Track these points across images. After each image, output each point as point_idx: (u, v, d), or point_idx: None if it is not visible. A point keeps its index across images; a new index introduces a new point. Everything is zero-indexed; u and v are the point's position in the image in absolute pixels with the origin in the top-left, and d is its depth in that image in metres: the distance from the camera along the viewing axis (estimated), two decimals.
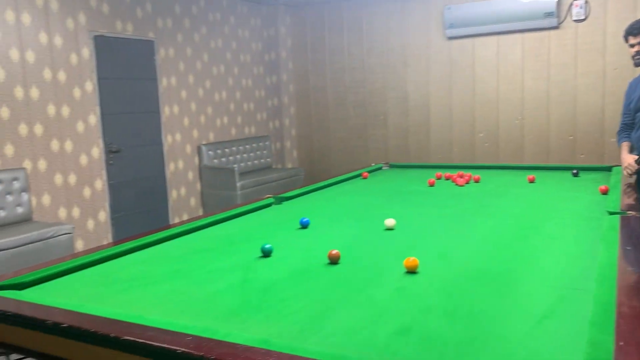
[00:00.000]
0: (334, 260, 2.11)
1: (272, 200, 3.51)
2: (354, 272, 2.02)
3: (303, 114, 7.79)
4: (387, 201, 3.45)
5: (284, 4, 7.41)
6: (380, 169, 5.08)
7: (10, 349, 1.77)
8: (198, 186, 6.36)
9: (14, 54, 4.37)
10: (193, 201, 6.29)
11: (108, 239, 5.22)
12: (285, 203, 3.52)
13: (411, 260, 1.96)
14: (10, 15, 4.33)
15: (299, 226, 2.77)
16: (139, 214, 5.61)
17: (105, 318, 1.54)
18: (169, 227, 2.80)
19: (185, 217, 6.18)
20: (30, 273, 2.05)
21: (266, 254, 2.26)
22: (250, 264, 2.16)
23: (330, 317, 1.59)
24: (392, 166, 5.21)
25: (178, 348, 1.33)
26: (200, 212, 6.39)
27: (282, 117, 7.76)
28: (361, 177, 4.54)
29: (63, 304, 1.70)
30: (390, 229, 2.63)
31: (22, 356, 1.85)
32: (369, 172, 4.78)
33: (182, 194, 6.13)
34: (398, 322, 1.53)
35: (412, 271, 1.95)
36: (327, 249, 2.25)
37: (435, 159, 6.86)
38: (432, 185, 3.92)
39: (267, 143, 7.45)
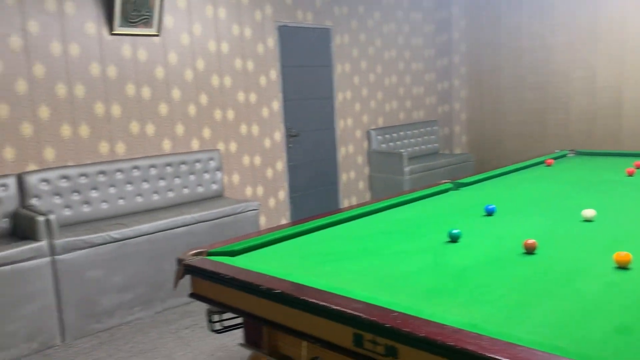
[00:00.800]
0: (530, 250, 2.01)
1: (450, 185, 3.46)
2: (554, 263, 1.91)
3: (474, 98, 7.50)
4: (579, 190, 3.19)
5: None
6: (564, 156, 4.70)
7: (224, 307, 2.00)
8: (366, 170, 6.50)
9: (212, 46, 4.85)
10: (361, 185, 6.45)
11: (286, 216, 5.60)
12: (463, 189, 3.44)
13: (623, 254, 1.79)
14: (209, 11, 4.81)
15: (484, 213, 2.69)
16: (313, 194, 5.91)
17: (313, 288, 1.65)
18: (352, 207, 2.90)
19: (354, 200, 6.37)
20: (239, 242, 2.28)
21: (454, 239, 2.23)
22: (438, 248, 2.16)
23: (536, 308, 1.53)
24: (578, 153, 4.80)
25: (386, 323, 1.38)
26: (368, 196, 6.53)
27: (451, 101, 7.56)
28: (545, 164, 4.25)
29: (272, 271, 1.86)
30: (588, 220, 2.42)
31: (235, 315, 2.08)
32: (554, 159, 4.45)
33: (352, 177, 6.32)
34: (616, 320, 1.41)
35: (623, 266, 1.78)
36: (518, 238, 2.16)
37: (628, 146, 6.14)
38: (631, 174, 3.53)
39: (435, 128, 7.33)
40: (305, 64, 5.71)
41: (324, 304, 1.52)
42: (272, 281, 1.74)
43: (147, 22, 4.29)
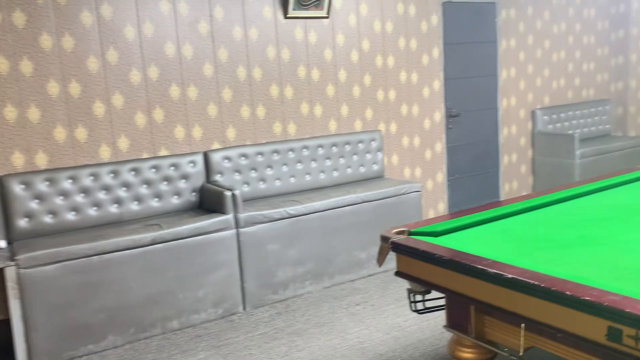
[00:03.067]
0: None
1: None
2: None
3: None
4: None
5: None
6: None
7: (435, 288, 1.96)
8: (530, 153, 6.10)
9: (377, 26, 4.82)
10: (523, 168, 6.07)
11: (444, 200, 5.46)
12: None
13: None
14: None
15: None
16: (472, 177, 5.69)
17: (550, 276, 1.54)
18: (545, 192, 2.71)
19: (514, 185, 6.02)
20: (440, 223, 2.23)
21: None
22: None
23: None
24: None
25: None
26: (530, 181, 6.14)
27: (627, 78, 6.80)
28: None
29: (487, 255, 1.78)
30: None
31: (441, 295, 2.04)
32: None
33: (513, 160, 5.97)
34: None
35: None
36: None
37: None
38: None
39: (607, 107, 6.65)
40: (468, 40, 5.47)
41: (573, 294, 1.41)
42: (498, 265, 1.66)
43: (318, 5, 4.37)
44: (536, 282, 1.49)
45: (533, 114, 6.04)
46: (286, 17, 4.31)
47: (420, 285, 2.00)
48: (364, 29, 4.75)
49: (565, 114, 6.26)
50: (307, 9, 4.34)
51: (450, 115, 5.42)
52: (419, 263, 1.92)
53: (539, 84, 6.07)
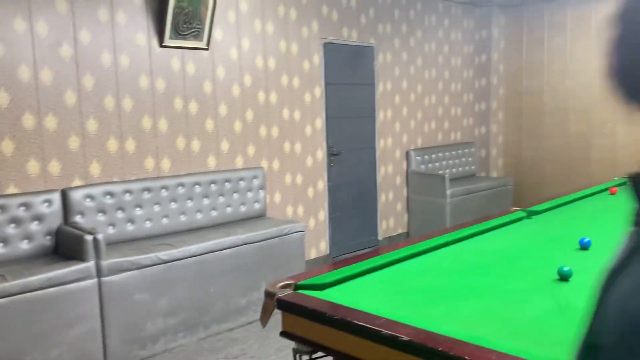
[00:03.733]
0: None
1: (522, 213, 3.25)
2: None
3: (512, 120, 7.31)
4: None
5: (500, 4, 7.02)
6: (625, 183, 4.48)
7: (325, 351, 1.79)
8: (405, 191, 6.30)
9: (259, 61, 4.71)
10: (399, 206, 6.24)
11: (326, 238, 5.39)
12: (535, 217, 3.23)
13: None
14: (257, 25, 4.67)
15: (578, 247, 2.48)
16: (352, 215, 5.71)
17: (445, 336, 1.45)
18: (426, 237, 2.70)
19: (391, 223, 6.16)
20: (326, 274, 2.08)
21: (564, 277, 2.02)
22: (550, 287, 1.95)
23: None
24: None
25: None
26: (406, 219, 6.32)
27: (489, 123, 7.38)
28: (608, 193, 4.04)
29: (380, 311, 1.66)
30: None
31: (325, 354, 1.87)
32: (615, 186, 4.23)
33: (390, 199, 6.12)
34: None
35: None
36: None
37: None
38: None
39: (472, 150, 7.13)
40: (348, 81, 5.56)
41: (470, 359, 1.31)
42: (392, 325, 1.54)
43: (197, 35, 4.16)
44: (433, 346, 1.38)
45: (407, 154, 6.27)
46: (162, 46, 4.03)
47: (309, 346, 1.82)
48: (246, 64, 4.61)
49: (436, 154, 6.59)
50: (184, 39, 4.11)
51: (331, 154, 5.43)
52: (307, 322, 1.74)
53: (412, 126, 6.34)
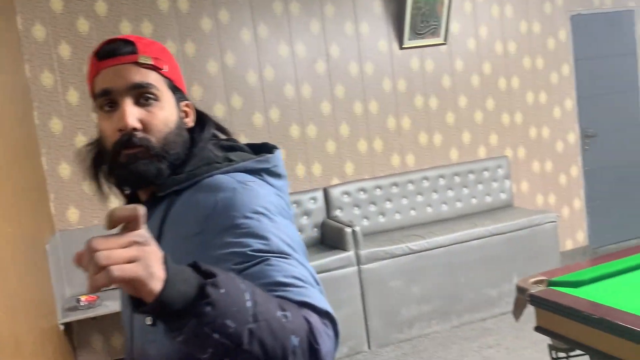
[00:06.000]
0: None
1: None
2: None
3: None
4: None
5: None
6: None
7: (576, 345, 1.74)
8: None
9: (499, 47, 4.59)
10: None
11: (583, 228, 4.98)
12: None
13: None
14: (495, 10, 4.56)
15: None
16: (615, 203, 5.13)
17: None
18: None
19: None
20: (583, 271, 2.00)
21: None
22: None
23: None
24: None
25: None
26: None
27: None
28: None
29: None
30: None
31: (583, 353, 1.81)
32: None
33: None
34: None
35: None
36: None
37: None
38: None
39: None
40: (602, 54, 5.00)
41: None
42: None
43: (434, 32, 4.27)
44: None
45: None
46: (401, 48, 4.25)
47: (564, 343, 1.79)
48: (484, 52, 4.55)
49: None
50: (422, 38, 4.26)
51: (586, 136, 4.97)
52: (562, 319, 1.71)
53: None
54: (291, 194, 3.98)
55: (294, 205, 3.97)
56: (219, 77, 3.84)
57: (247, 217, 0.85)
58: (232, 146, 1.02)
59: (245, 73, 3.90)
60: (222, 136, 1.06)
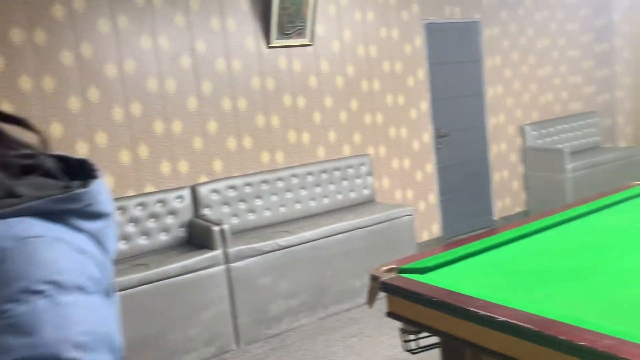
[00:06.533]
0: None
1: None
2: None
3: None
4: None
5: None
6: None
7: (426, 330, 1.90)
8: (521, 169, 6.07)
9: (361, 50, 4.82)
10: (515, 185, 6.04)
11: (437, 220, 5.41)
12: None
13: None
14: (358, 15, 4.78)
15: None
16: (464, 196, 5.65)
17: (543, 317, 1.49)
18: (533, 219, 2.67)
19: (508, 202, 5.99)
20: (429, 258, 2.17)
21: None
22: None
23: None
24: None
25: None
26: (523, 197, 6.11)
27: (613, 89, 6.82)
28: None
29: (479, 293, 1.72)
30: None
31: (429, 335, 1.97)
32: None
33: (505, 177, 5.95)
34: None
35: None
36: None
37: None
38: None
39: (595, 119, 6.66)
40: (453, 60, 5.47)
41: (567, 339, 1.35)
42: (491, 307, 1.60)
43: (300, 33, 4.36)
44: (529, 326, 1.44)
45: (522, 130, 6.03)
46: (269, 47, 4.29)
47: (412, 326, 1.93)
48: (348, 54, 4.74)
49: (554, 128, 6.26)
50: (289, 38, 4.33)
51: (439, 136, 5.40)
52: (410, 304, 1.85)
53: (526, 100, 6.08)
54: (156, 192, 3.84)
55: (159, 204, 3.83)
56: (74, 68, 3.58)
57: (14, 300, 0.53)
58: (30, 167, 0.64)
59: (103, 65, 3.68)
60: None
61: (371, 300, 2.03)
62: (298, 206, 4.44)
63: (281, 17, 4.19)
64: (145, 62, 3.83)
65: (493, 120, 5.80)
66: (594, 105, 6.77)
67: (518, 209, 6.06)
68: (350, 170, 4.73)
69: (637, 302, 1.62)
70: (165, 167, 3.93)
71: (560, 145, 6.14)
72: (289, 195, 4.39)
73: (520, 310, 1.55)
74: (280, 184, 4.34)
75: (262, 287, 3.74)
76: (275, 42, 4.28)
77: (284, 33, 4.28)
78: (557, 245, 2.28)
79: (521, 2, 5.94)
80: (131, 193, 3.80)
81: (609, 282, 1.80)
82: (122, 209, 3.70)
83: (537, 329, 1.41)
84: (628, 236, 2.27)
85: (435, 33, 5.30)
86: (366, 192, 4.82)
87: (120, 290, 3.24)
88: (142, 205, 3.79)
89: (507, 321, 1.49)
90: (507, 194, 5.98)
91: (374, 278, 2.01)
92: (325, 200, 4.59)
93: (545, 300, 1.68)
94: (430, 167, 5.35)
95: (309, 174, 4.50)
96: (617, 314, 1.54)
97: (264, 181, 4.28)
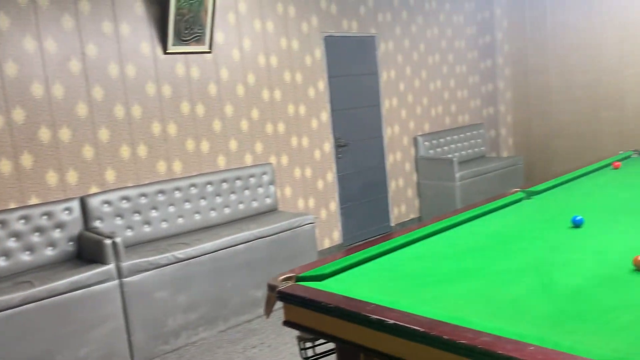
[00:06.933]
0: None
1: (521, 194, 3.33)
2: None
3: (520, 99, 7.32)
4: None
5: None
6: (629, 157, 4.51)
7: (324, 337, 1.93)
8: (415, 177, 6.38)
9: (261, 60, 4.83)
10: (410, 192, 6.34)
11: (338, 227, 5.53)
12: (535, 197, 3.31)
13: None
14: (257, 25, 4.79)
15: (571, 225, 2.57)
16: (363, 204, 5.83)
17: (429, 318, 1.57)
18: (428, 223, 2.81)
19: (403, 209, 6.26)
20: (326, 265, 2.21)
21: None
22: (539, 267, 2.05)
23: None
24: None
25: (525, 358, 1.29)
26: (417, 204, 6.42)
27: (496, 104, 7.39)
28: (611, 167, 4.08)
29: (372, 297, 1.78)
30: None
31: (326, 341, 2.01)
32: (619, 160, 4.27)
33: (400, 185, 6.22)
34: None
35: None
36: (621, 253, 2.04)
37: None
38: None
39: (481, 131, 7.18)
40: (352, 72, 5.65)
41: (450, 338, 1.43)
42: (381, 310, 1.66)
43: (199, 40, 4.29)
44: (416, 327, 1.51)
45: (415, 141, 6.35)
46: (166, 53, 4.18)
47: (309, 333, 1.96)
48: (248, 63, 4.74)
49: (444, 138, 6.65)
50: (187, 44, 4.25)
51: (339, 145, 5.54)
52: (306, 312, 1.87)
53: (419, 112, 6.41)
54: (41, 204, 3.58)
55: (45, 217, 3.58)
56: None
57: None
58: None
59: None
60: None
61: (268, 310, 2.03)
62: (197, 217, 4.34)
63: (178, 23, 4.10)
64: (29, 66, 3.57)
65: (389, 131, 6.05)
66: (479, 118, 7.29)
67: (412, 215, 6.35)
68: (252, 180, 4.71)
69: (513, 300, 1.75)
70: (51, 178, 3.68)
71: (450, 155, 6.54)
72: (187, 205, 4.28)
73: (408, 312, 1.62)
74: (178, 194, 4.23)
75: (159, 301, 3.60)
76: (172, 49, 4.17)
77: (181, 39, 4.19)
78: (445, 248, 2.42)
79: (414, 19, 6.28)
80: (13, 205, 3.52)
81: (489, 282, 1.94)
82: (1, 222, 3.42)
83: (423, 330, 1.49)
84: (507, 240, 2.46)
85: (335, 46, 5.45)
86: (268, 201, 4.82)
87: (1, 310, 2.99)
88: (26, 218, 3.52)
89: (396, 323, 1.55)
90: (402, 201, 6.25)
91: (272, 287, 2.01)
92: (227, 210, 4.53)
93: (432, 301, 1.77)
94: (331, 176, 5.47)
95: (209, 183, 4.42)
96: (495, 312, 1.66)
97: (161, 191, 4.14)
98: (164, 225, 4.14)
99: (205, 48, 4.36)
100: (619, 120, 6.49)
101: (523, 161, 7.01)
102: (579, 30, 6.65)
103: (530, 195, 3.35)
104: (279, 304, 2.06)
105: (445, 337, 1.44)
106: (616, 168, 4.05)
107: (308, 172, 5.25)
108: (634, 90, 6.33)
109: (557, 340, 1.37)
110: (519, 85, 7.29)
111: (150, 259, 3.58)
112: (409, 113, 6.28)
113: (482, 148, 7.17)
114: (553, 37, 6.88)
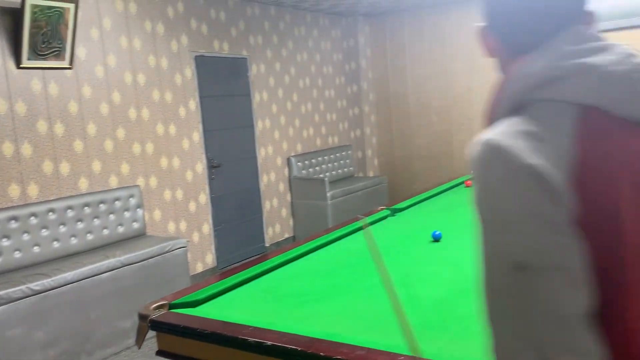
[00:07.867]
0: None
1: (387, 212, 3.55)
2: None
3: (383, 122, 7.81)
4: None
5: (363, 14, 7.46)
6: None
7: None
8: (288, 197, 6.49)
9: (128, 78, 4.63)
10: (284, 212, 6.42)
11: (211, 250, 5.42)
12: (399, 214, 3.54)
13: None
14: (124, 41, 4.59)
15: (431, 239, 2.79)
16: (238, 225, 5.78)
17: (306, 337, 1.60)
18: (300, 243, 2.88)
19: (278, 229, 6.32)
20: (200, 291, 2.16)
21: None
22: (404, 280, 2.19)
23: None
24: None
25: None
26: (291, 223, 6.52)
27: (363, 126, 7.80)
28: (464, 186, 4.51)
29: (249, 320, 1.78)
30: None
31: None
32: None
33: (275, 205, 6.28)
34: None
35: None
36: (474, 264, 2.26)
37: None
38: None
39: (349, 152, 7.51)
40: (224, 93, 5.63)
41: (324, 354, 1.48)
42: (259, 333, 1.67)
43: (58, 55, 4.01)
44: (294, 347, 1.54)
45: (289, 161, 6.47)
46: (19, 67, 3.84)
47: None
48: (113, 81, 4.51)
49: (315, 159, 6.86)
50: (45, 59, 3.94)
51: (212, 166, 5.46)
52: (182, 340, 1.82)
53: (291, 134, 6.55)
54: None
55: None
56: None
57: None
58: None
59: None
60: None
61: (140, 340, 1.93)
62: (56, 245, 4.00)
63: (34, 37, 3.80)
64: None
65: (263, 152, 6.10)
66: (348, 140, 7.63)
67: (287, 235, 6.43)
68: (118, 203, 4.46)
69: (383, 314, 1.85)
70: None
71: (321, 175, 6.75)
72: (45, 232, 3.93)
73: (286, 332, 1.65)
74: (33, 221, 3.87)
75: (12, 339, 3.25)
76: (27, 63, 3.85)
77: (38, 54, 3.88)
78: (318, 266, 2.49)
79: (284, 43, 6.44)
80: None
81: (359, 298, 2.03)
82: None
83: (301, 349, 1.52)
84: (367, 257, 2.59)
85: (206, 66, 5.40)
86: (136, 225, 4.59)
87: None
88: None
89: (274, 344, 1.57)
90: (277, 221, 6.31)
91: (143, 317, 1.92)
92: (90, 237, 4.23)
93: (308, 319, 1.82)
94: (204, 198, 5.36)
95: (69, 208, 4.11)
96: (368, 326, 1.75)
97: (13, 218, 3.76)
98: (17, 255, 3.76)
99: (65, 64, 4.08)
100: (469, 142, 7.18)
101: (387, 180, 7.45)
102: (433, 60, 7.29)
103: (394, 212, 3.58)
104: (151, 333, 1.98)
105: (322, 354, 1.48)
106: (468, 186, 4.47)
107: (179, 194, 5.10)
108: (480, 115, 7.05)
109: (424, 349, 1.48)
110: (382, 110, 7.78)
111: (1, 292, 3.22)
112: (282, 134, 6.40)
113: (350, 168, 7.50)
114: (411, 65, 7.46)
